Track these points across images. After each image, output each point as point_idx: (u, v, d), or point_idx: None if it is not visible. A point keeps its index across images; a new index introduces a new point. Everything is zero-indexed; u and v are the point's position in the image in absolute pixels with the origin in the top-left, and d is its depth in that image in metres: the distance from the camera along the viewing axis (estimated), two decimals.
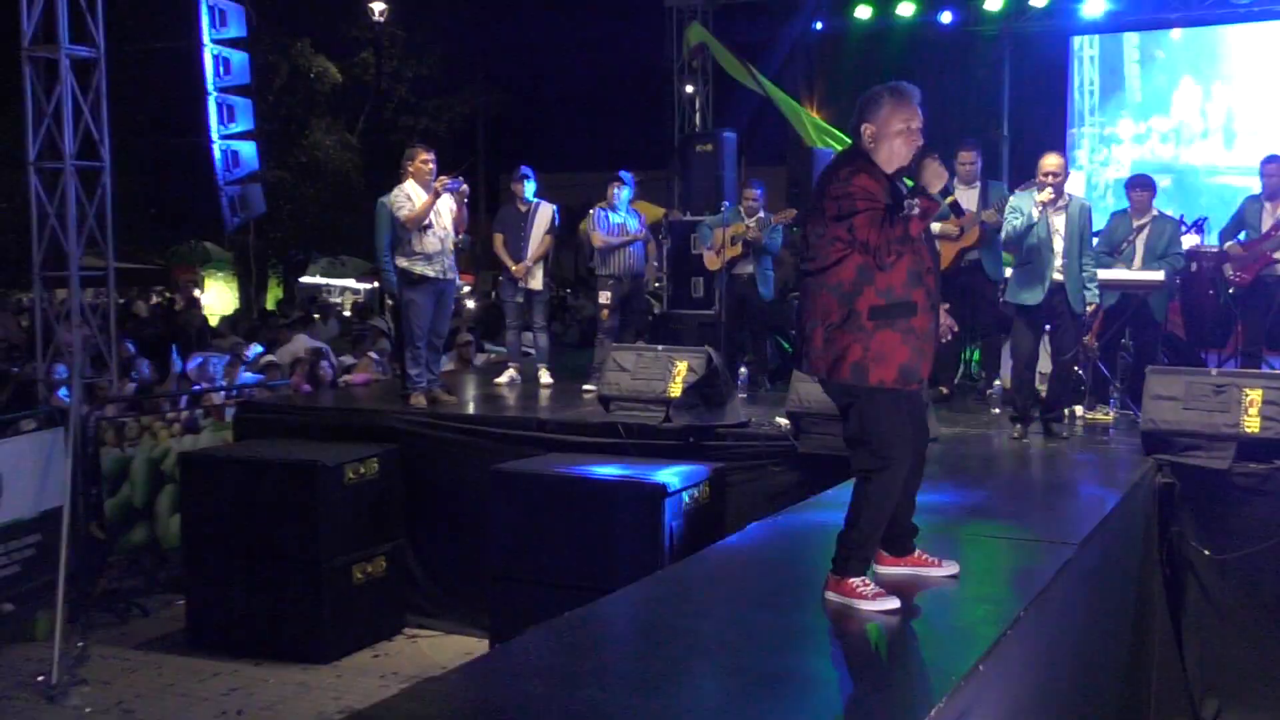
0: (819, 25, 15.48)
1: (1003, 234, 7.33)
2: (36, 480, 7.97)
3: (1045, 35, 15.13)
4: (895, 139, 3.90)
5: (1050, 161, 7.22)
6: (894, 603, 3.97)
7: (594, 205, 9.93)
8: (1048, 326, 7.38)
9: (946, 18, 14.53)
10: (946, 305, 4.34)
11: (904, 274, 3.87)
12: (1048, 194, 7.10)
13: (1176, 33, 14.71)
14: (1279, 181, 8.36)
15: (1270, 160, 8.46)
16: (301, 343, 12.77)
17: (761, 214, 9.49)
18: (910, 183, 4.04)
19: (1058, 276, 7.19)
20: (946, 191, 3.97)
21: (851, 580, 4.01)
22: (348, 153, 20.94)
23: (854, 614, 3.99)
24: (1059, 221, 7.21)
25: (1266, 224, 8.33)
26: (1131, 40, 15.06)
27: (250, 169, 10.78)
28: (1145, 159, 14.67)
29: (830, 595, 4.06)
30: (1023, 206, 7.18)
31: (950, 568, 4.33)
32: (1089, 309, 7.44)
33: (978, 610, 4.13)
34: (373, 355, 12.07)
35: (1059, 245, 7.20)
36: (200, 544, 7.88)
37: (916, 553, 4.34)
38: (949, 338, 4.40)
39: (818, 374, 4.01)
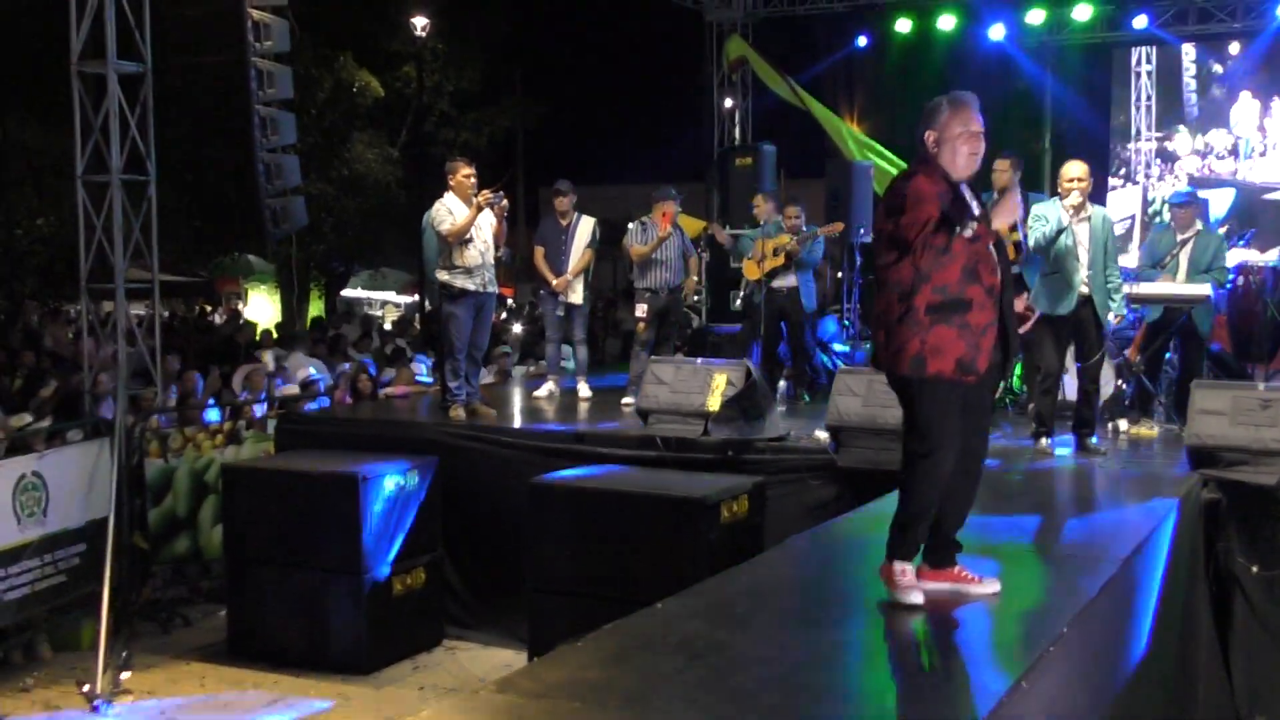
0: (862, 40, 15.43)
1: (1031, 242, 7.21)
2: (82, 491, 8.07)
3: (1088, 48, 15.05)
4: (956, 142, 4.12)
5: (1073, 169, 7.20)
6: (917, 598, 4.11)
7: (634, 218, 9.92)
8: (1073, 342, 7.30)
9: (995, 33, 14.44)
10: (1025, 295, 4.46)
11: (958, 273, 4.04)
12: (1075, 199, 7.07)
13: (1235, 46, 14.55)
14: None
15: None
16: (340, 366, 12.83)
17: (804, 228, 9.51)
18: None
19: (1084, 289, 7.14)
20: (1013, 228, 4.08)
21: (896, 565, 4.17)
22: (389, 166, 21.08)
23: (895, 628, 3.98)
24: (1083, 233, 7.16)
25: None
26: (1189, 54, 14.94)
27: (291, 182, 10.87)
28: (1204, 175, 14.54)
29: (881, 578, 4.21)
30: (1047, 214, 7.13)
31: (991, 585, 4.30)
32: (1115, 320, 7.37)
33: (1020, 626, 4.10)
34: (414, 368, 12.12)
35: (1084, 256, 7.14)
36: (242, 555, 7.94)
37: (958, 568, 4.32)
38: (1027, 326, 4.49)
39: (882, 368, 4.23)
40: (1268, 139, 14.33)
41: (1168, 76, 15.04)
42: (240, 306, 23.93)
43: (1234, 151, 14.58)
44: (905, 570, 4.17)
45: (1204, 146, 14.77)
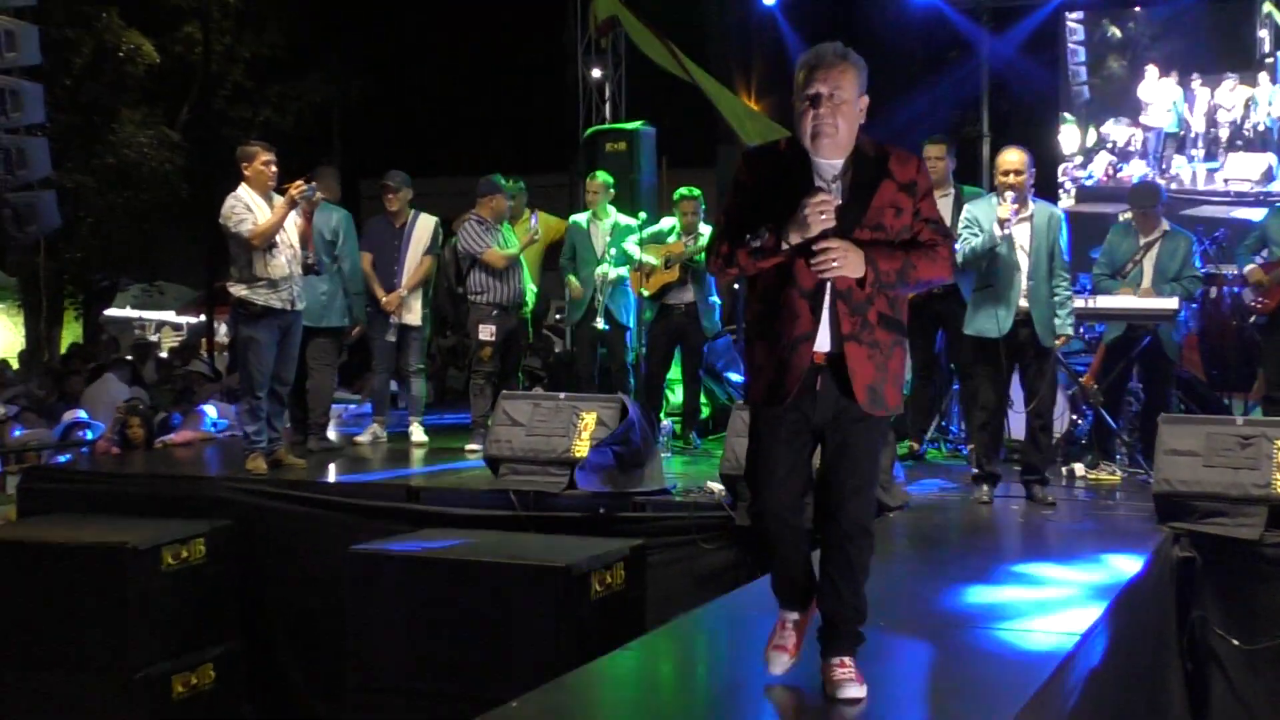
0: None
1: (959, 255, 7.20)
2: None
3: (1031, 11, 15.40)
4: (797, 111, 4.17)
5: (1009, 158, 7.23)
6: (771, 665, 4.26)
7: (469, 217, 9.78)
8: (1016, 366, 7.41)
9: None
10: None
11: (773, 276, 4.10)
12: (1007, 209, 7.07)
13: (1137, 21, 14.81)
14: None
15: None
16: (111, 385, 12.52)
17: (703, 227, 9.45)
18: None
19: (1023, 303, 7.22)
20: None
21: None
22: (168, 152, 20.74)
23: None
24: (1022, 235, 7.21)
25: None
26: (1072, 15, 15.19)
27: (40, 172, 10.64)
28: (1102, 182, 14.83)
29: None
30: (980, 218, 7.22)
31: (852, 690, 4.07)
32: (1059, 341, 7.44)
33: (966, 716, 4.16)
34: (208, 409, 11.87)
35: (1024, 264, 7.21)
36: None
37: (836, 661, 4.14)
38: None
39: None
40: (1196, 129, 14.21)
41: (1089, 60, 14.89)
42: None
43: (1165, 142, 14.57)
44: (779, 621, 4.34)
45: (1129, 137, 14.67)
